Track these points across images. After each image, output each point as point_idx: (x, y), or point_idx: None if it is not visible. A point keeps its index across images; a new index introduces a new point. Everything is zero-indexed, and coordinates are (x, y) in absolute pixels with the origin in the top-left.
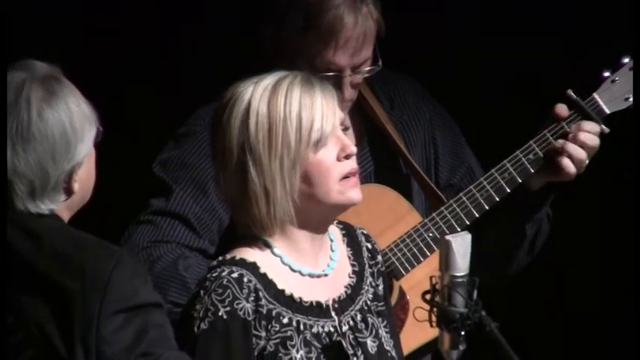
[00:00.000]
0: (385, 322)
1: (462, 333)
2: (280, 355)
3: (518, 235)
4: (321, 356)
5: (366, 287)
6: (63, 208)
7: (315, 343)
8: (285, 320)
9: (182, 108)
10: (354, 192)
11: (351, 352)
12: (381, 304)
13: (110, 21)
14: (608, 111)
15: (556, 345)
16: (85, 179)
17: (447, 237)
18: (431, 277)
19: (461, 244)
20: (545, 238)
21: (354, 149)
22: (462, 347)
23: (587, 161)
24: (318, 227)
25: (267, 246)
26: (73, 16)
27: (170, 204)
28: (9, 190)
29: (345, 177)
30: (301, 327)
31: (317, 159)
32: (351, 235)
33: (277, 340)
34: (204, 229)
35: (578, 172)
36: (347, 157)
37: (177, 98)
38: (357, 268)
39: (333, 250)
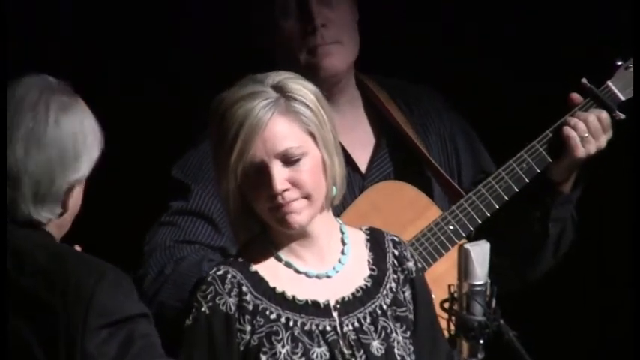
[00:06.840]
0: (404, 327)
1: (481, 341)
2: (265, 349)
3: (541, 234)
4: (309, 352)
5: (385, 292)
6: (55, 225)
7: (305, 339)
8: (273, 316)
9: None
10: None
11: (348, 351)
12: (402, 309)
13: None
14: (622, 98)
15: (573, 352)
16: (76, 199)
17: (466, 245)
18: (449, 286)
19: (479, 252)
20: (569, 242)
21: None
22: (480, 356)
23: (596, 143)
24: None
25: (269, 242)
26: (72, 17)
27: (190, 203)
28: (15, 191)
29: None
30: (290, 323)
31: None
32: (377, 241)
33: (261, 334)
34: (225, 226)
35: (585, 149)
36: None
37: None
38: (375, 273)
39: (344, 254)
